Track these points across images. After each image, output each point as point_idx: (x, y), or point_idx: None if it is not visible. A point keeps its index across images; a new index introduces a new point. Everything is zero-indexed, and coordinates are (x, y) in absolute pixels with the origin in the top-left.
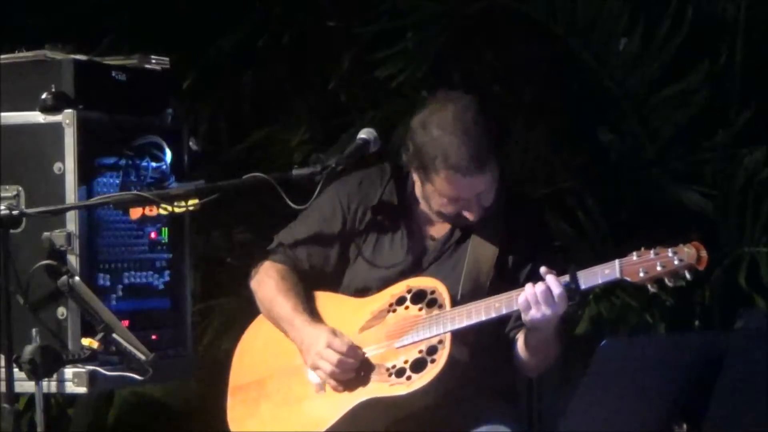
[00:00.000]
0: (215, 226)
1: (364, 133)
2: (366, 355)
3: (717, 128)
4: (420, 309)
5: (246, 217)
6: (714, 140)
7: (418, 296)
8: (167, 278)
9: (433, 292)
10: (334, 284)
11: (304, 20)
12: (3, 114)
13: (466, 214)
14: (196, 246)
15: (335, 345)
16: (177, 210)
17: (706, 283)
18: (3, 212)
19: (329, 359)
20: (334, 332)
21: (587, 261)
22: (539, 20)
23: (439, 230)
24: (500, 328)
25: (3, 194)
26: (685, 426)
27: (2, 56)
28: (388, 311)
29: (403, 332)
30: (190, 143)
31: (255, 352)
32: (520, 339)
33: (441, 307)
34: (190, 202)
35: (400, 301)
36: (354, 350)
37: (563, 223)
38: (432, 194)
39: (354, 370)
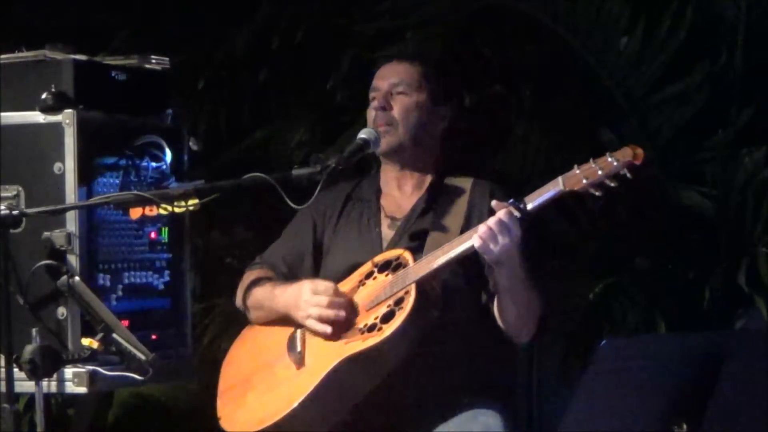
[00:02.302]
0: (215, 226)
1: (364, 133)
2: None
3: (717, 128)
4: (387, 275)
5: (246, 217)
6: (714, 140)
7: (385, 266)
8: (167, 278)
9: (397, 259)
10: None
11: (307, 19)
12: (3, 114)
13: (372, 105)
14: (196, 246)
15: (320, 288)
16: (177, 210)
17: (706, 283)
18: (3, 212)
19: (318, 302)
20: (313, 281)
21: (587, 260)
22: (539, 20)
23: (402, 211)
24: (476, 304)
25: (3, 194)
26: (685, 426)
27: (2, 56)
28: (359, 286)
29: (373, 296)
30: (190, 143)
31: (240, 358)
32: (496, 295)
33: (406, 267)
34: (190, 202)
35: (369, 275)
36: (338, 290)
37: (563, 222)
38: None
39: (345, 308)
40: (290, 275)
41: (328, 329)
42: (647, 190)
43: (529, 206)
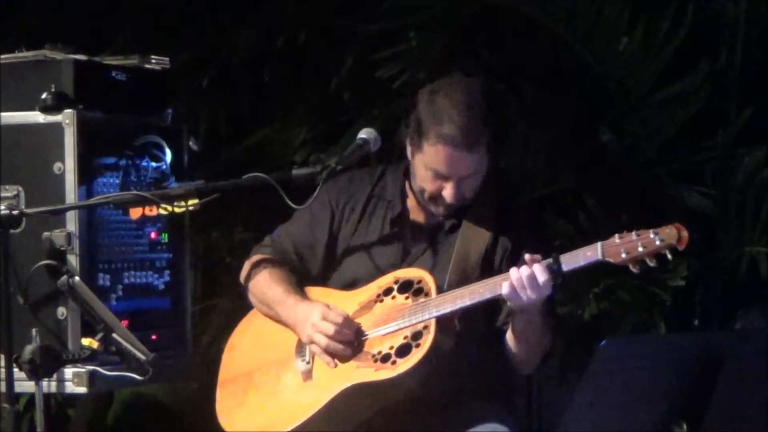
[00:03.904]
0: (215, 226)
1: (364, 133)
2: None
3: (717, 128)
4: (406, 298)
5: (246, 217)
6: (714, 140)
7: (405, 286)
8: (167, 278)
9: (419, 282)
10: (320, 283)
11: (308, 19)
12: (3, 114)
13: (444, 194)
14: (196, 246)
15: (330, 316)
16: (177, 210)
17: (706, 283)
18: (3, 212)
19: (325, 331)
20: (327, 306)
21: None
22: (539, 20)
23: (427, 219)
24: (489, 323)
25: (3, 194)
26: (685, 426)
27: (2, 56)
28: (376, 302)
29: (390, 320)
30: (190, 143)
31: (244, 347)
32: (509, 330)
33: (427, 295)
34: (190, 202)
35: (387, 291)
36: (349, 321)
37: (563, 222)
38: (419, 166)
39: (350, 342)
40: (299, 264)
41: (330, 362)
42: (647, 189)
43: (565, 269)
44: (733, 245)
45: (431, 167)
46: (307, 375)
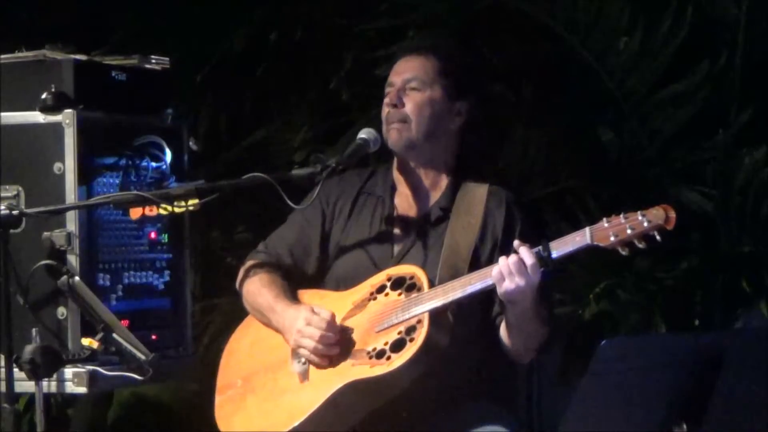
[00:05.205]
0: (215, 226)
1: (364, 133)
2: (347, 334)
3: (717, 128)
4: (399, 294)
5: (246, 217)
6: (714, 140)
7: (398, 283)
8: (167, 278)
9: (411, 278)
10: (316, 284)
11: (307, 19)
12: (3, 114)
13: (385, 101)
14: (196, 246)
15: (314, 321)
16: (177, 210)
17: (706, 283)
18: (3, 212)
19: (311, 335)
20: (312, 310)
21: (587, 261)
22: (539, 20)
23: (416, 211)
24: (484, 317)
25: (3, 194)
26: (685, 426)
27: (2, 56)
28: (369, 300)
29: (384, 317)
30: (190, 143)
31: (241, 352)
32: (503, 322)
33: (420, 290)
34: (190, 202)
35: (380, 289)
36: (333, 324)
37: (563, 222)
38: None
39: (336, 344)
40: (294, 266)
41: (320, 362)
42: (647, 189)
43: (554, 255)
44: (733, 245)
45: (387, 82)
46: (304, 376)
